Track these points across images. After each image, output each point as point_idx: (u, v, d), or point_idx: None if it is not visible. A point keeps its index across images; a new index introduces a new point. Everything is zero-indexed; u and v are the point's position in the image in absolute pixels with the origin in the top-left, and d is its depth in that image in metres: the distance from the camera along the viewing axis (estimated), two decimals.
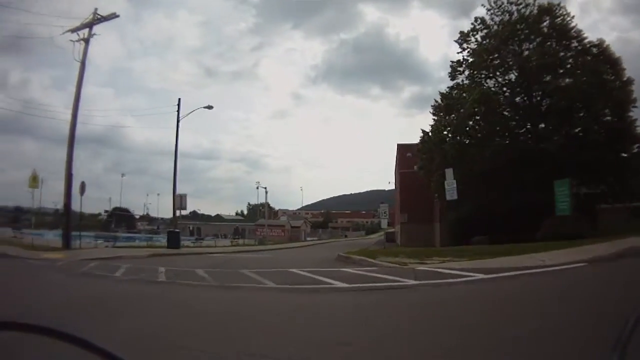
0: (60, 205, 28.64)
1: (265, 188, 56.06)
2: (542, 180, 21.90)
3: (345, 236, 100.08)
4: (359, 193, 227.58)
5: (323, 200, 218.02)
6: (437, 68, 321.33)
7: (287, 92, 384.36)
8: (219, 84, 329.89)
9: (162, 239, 35.42)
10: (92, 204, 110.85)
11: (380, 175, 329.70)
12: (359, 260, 13.28)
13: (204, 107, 30.91)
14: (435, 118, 26.02)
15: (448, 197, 17.19)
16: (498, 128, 23.07)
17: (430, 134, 26.01)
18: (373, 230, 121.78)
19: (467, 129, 23.14)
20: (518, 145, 24.23)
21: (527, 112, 24.88)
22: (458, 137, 23.06)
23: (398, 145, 44.95)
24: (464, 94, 24.78)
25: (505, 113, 25.14)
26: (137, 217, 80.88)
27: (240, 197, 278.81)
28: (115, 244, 29.34)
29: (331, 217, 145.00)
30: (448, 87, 27.90)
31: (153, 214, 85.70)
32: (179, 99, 29.74)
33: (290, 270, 11.11)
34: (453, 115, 24.88)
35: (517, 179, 22.61)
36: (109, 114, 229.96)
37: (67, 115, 23.43)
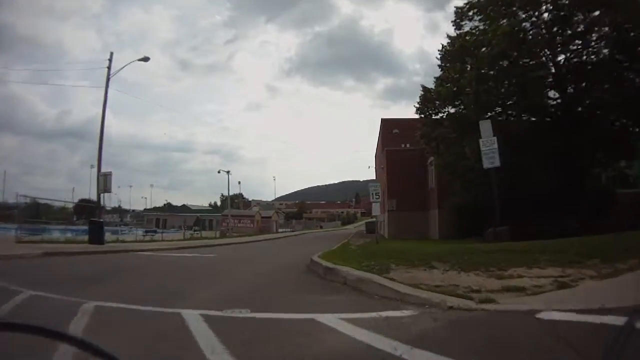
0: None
1: (228, 172, 48.27)
2: (580, 152, 16.33)
3: (321, 227, 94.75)
4: (333, 184, 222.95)
5: (298, 191, 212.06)
6: (412, 60, 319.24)
7: (262, 85, 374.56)
8: (194, 76, 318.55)
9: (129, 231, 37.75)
10: (61, 196, 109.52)
11: (354, 166, 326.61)
12: (354, 280, 6.36)
13: (139, 60, 24.06)
14: (443, 69, 19.52)
15: (486, 165, 11.02)
16: (528, 83, 16.72)
17: (433, 90, 19.53)
18: (349, 220, 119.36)
19: (495, 72, 16.56)
20: (550, 106, 18.34)
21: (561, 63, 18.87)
22: (484, 86, 16.33)
23: (382, 120, 38.45)
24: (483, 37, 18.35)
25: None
26: (109, 209, 77.77)
27: (215, 189, 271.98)
28: (18, 235, 22.05)
29: (306, 207, 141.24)
30: (451, 38, 21.72)
31: (126, 207, 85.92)
32: (111, 53, 23.82)
33: (194, 313, 4.51)
34: (467, 66, 18.45)
35: (546, 152, 16.89)
36: (85, 107, 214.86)
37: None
